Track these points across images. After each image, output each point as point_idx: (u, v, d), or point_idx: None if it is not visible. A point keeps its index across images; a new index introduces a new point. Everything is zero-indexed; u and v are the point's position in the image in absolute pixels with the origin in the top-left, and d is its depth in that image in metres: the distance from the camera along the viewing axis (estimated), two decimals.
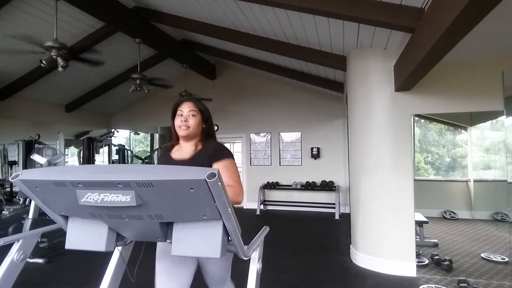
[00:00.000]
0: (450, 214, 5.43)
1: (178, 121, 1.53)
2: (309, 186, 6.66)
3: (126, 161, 8.64)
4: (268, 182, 7.02)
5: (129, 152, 8.99)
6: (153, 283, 1.51)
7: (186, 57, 6.30)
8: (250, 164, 7.38)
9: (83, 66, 4.06)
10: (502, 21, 2.27)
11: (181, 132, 1.53)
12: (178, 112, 1.55)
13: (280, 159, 7.17)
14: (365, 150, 3.50)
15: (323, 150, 6.82)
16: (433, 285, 2.95)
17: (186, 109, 1.54)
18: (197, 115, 1.55)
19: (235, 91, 7.44)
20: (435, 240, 4.18)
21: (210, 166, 1.45)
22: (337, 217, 6.06)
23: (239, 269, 1.64)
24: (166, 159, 1.60)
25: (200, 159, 1.49)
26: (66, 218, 1.14)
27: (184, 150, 1.57)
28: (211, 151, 1.51)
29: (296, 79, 6.08)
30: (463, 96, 3.22)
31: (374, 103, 3.44)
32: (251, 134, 7.40)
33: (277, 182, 7.03)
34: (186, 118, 1.52)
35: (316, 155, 6.78)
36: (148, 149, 9.89)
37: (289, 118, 7.06)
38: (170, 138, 1.72)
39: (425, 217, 4.19)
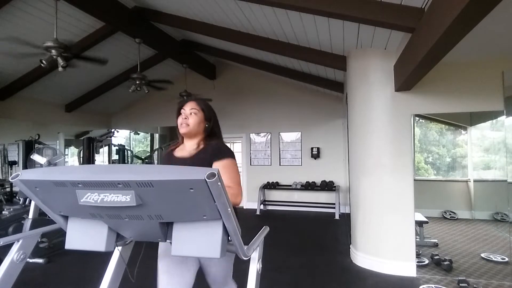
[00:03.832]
0: (450, 214, 5.43)
1: (179, 119, 1.57)
2: (309, 186, 6.65)
3: (126, 161, 8.62)
4: (268, 182, 7.02)
5: (129, 152, 8.98)
6: (153, 283, 1.51)
7: (186, 57, 6.30)
8: (250, 164, 7.38)
9: (83, 66, 4.06)
10: (501, 22, 2.27)
11: (181, 129, 1.56)
12: (181, 111, 1.59)
13: (280, 159, 7.16)
14: (365, 150, 3.50)
15: (323, 150, 6.81)
16: (433, 285, 2.95)
17: (187, 107, 1.58)
18: (199, 113, 1.57)
19: (235, 91, 7.43)
20: (435, 240, 4.18)
21: (210, 165, 1.46)
22: (337, 217, 6.06)
23: (239, 269, 1.65)
24: (168, 157, 1.64)
25: (201, 157, 1.51)
26: (66, 218, 1.14)
27: (186, 148, 1.59)
28: (212, 150, 1.52)
29: (296, 79, 6.07)
30: (463, 96, 3.22)
31: (374, 103, 3.44)
32: (251, 134, 7.40)
33: (277, 182, 7.03)
34: (186, 116, 1.56)
35: (316, 155, 6.78)
36: (148, 149, 9.88)
37: (289, 118, 7.05)
38: (170, 138, 1.73)
39: (425, 217, 4.19)
